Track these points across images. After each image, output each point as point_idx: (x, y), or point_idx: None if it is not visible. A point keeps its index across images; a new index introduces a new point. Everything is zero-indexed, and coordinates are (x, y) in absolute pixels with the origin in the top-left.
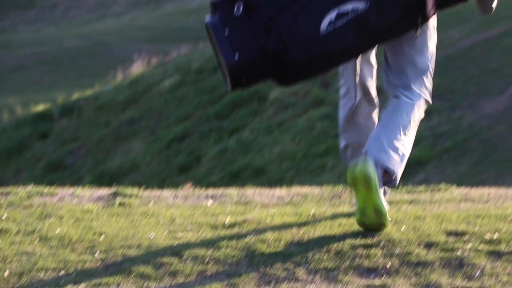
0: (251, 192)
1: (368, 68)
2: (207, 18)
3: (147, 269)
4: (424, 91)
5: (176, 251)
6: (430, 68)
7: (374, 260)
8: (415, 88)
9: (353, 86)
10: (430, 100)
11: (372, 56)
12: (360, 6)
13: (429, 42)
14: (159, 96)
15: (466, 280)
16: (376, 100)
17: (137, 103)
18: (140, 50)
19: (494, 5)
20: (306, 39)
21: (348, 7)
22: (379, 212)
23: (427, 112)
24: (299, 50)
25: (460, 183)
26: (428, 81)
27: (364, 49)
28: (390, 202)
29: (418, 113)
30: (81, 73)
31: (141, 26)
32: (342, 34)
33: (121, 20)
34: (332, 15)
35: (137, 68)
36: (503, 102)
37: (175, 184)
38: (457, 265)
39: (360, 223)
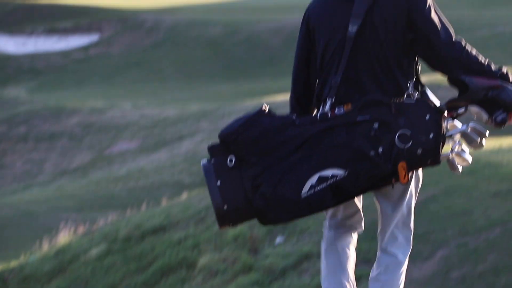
0: None
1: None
2: (203, 161)
3: None
4: (409, 241)
5: None
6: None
7: None
8: (402, 241)
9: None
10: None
11: None
12: (339, 173)
13: (408, 195)
14: (86, 265)
15: None
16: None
17: (63, 273)
18: (66, 218)
19: (460, 168)
20: (288, 202)
21: (328, 172)
22: None
23: (357, 278)
24: (281, 211)
25: None
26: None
27: (339, 204)
28: None
29: (405, 265)
30: (6, 244)
31: (67, 195)
32: (321, 197)
33: (48, 189)
34: (313, 179)
35: (64, 237)
36: (431, 267)
37: None
38: None
39: None
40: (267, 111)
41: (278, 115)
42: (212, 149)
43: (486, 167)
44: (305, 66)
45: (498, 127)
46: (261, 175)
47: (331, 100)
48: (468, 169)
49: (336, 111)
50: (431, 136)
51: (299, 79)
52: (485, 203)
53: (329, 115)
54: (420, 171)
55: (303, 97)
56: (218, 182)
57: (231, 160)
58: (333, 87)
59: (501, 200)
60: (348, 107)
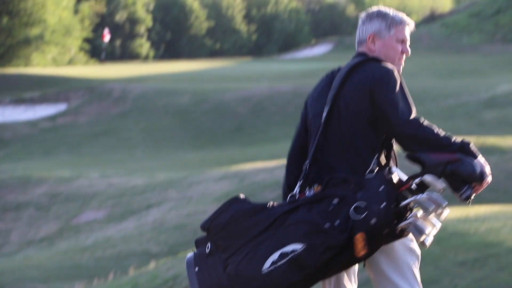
0: None
1: None
2: (188, 255)
3: None
4: None
5: None
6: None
7: None
8: None
9: None
10: None
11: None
12: (298, 247)
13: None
14: None
15: None
16: None
17: None
18: None
19: (428, 242)
20: (249, 279)
21: (289, 248)
22: None
23: None
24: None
25: None
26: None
27: (306, 284)
28: None
29: None
30: None
31: (34, 265)
32: (282, 272)
33: (13, 260)
34: (275, 256)
35: None
36: None
37: None
38: None
39: None
40: (240, 199)
41: (251, 201)
42: (196, 242)
43: (453, 236)
44: (299, 153)
45: (465, 202)
46: (231, 257)
47: (300, 183)
48: (435, 238)
49: (306, 193)
50: (382, 205)
51: (292, 165)
52: (452, 272)
53: (297, 197)
54: (414, 244)
55: (294, 184)
56: (196, 269)
57: (207, 247)
58: (303, 170)
59: (468, 269)
60: (318, 188)
